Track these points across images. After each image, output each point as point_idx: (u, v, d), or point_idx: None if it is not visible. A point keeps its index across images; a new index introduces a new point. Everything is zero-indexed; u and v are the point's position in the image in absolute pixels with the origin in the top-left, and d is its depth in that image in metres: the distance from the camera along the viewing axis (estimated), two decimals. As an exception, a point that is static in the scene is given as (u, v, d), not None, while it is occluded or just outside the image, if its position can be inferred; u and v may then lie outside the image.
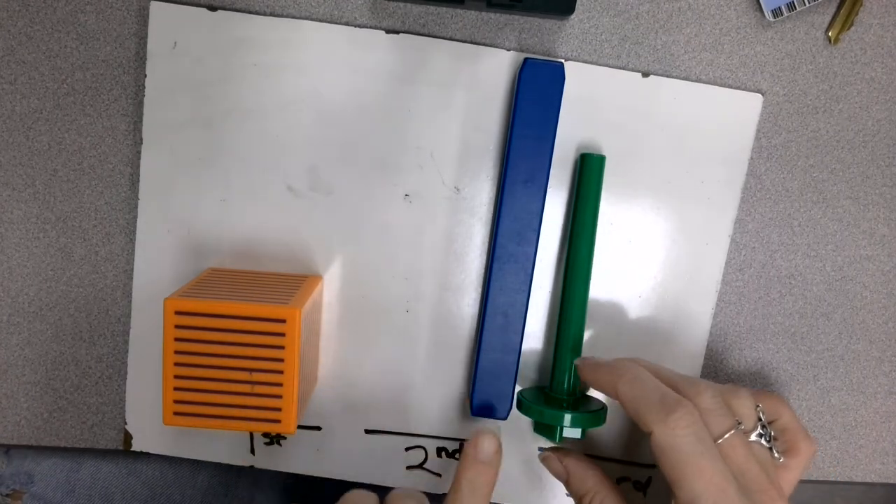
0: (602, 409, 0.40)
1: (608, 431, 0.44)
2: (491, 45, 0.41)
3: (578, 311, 0.40)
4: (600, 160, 0.40)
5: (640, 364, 0.39)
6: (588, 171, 0.40)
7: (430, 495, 0.48)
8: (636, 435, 0.44)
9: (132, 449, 0.44)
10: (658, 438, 0.32)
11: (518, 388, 0.43)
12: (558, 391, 0.40)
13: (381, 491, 0.51)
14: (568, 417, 0.38)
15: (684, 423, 0.32)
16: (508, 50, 0.41)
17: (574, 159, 0.42)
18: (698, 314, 0.43)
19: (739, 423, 0.34)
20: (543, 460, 0.40)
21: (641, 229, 0.42)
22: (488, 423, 0.37)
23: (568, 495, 0.44)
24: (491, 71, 0.41)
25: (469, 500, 0.34)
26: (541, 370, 0.43)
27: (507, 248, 0.40)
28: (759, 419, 0.36)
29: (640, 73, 0.41)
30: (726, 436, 0.33)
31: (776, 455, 0.36)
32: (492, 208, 0.42)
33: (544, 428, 0.40)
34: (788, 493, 0.37)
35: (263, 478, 0.51)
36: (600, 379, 0.36)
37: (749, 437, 0.35)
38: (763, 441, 0.35)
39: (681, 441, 0.32)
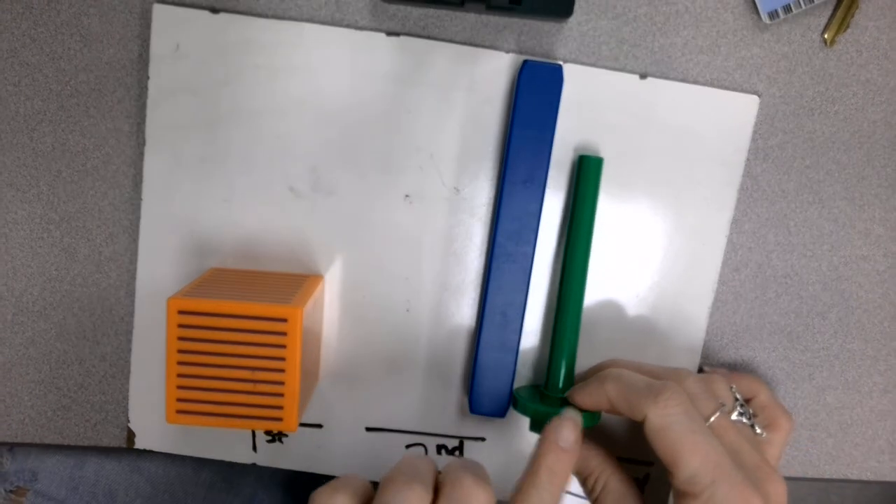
0: None
1: (605, 429, 0.44)
2: (490, 48, 0.41)
3: (574, 311, 0.41)
4: (598, 162, 0.41)
5: (620, 363, 0.40)
6: (586, 172, 0.41)
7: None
8: (632, 432, 0.44)
9: (135, 447, 0.44)
10: (651, 421, 0.33)
11: (515, 386, 0.43)
12: (553, 390, 0.41)
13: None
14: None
15: (674, 402, 0.33)
16: (507, 52, 0.41)
17: (573, 160, 0.42)
18: (695, 314, 0.44)
19: (723, 405, 0.36)
20: None
21: (639, 229, 0.43)
22: (569, 410, 0.37)
23: (569, 493, 0.45)
24: (490, 73, 0.41)
25: (548, 486, 0.34)
26: (536, 368, 0.44)
27: (505, 247, 0.41)
28: (737, 399, 0.37)
29: (637, 75, 0.42)
30: (713, 417, 0.34)
31: (759, 431, 0.37)
32: (491, 209, 0.42)
33: (540, 426, 0.40)
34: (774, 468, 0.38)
35: (265, 475, 0.51)
36: (592, 395, 0.37)
37: (731, 417, 0.36)
38: (744, 419, 0.36)
39: (672, 420, 0.33)
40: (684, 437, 0.32)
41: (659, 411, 0.33)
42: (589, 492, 0.38)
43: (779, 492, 0.33)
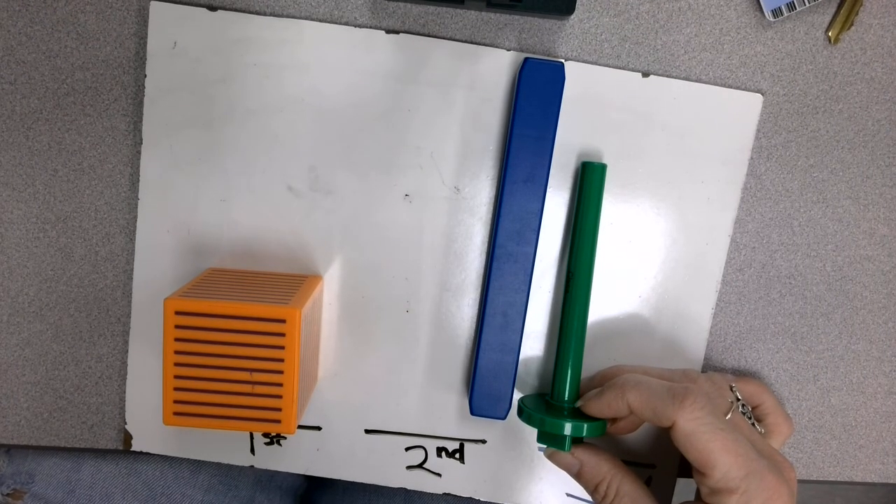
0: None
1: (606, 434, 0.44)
2: (491, 45, 0.41)
3: (579, 322, 0.40)
4: (601, 168, 0.40)
5: (626, 368, 0.41)
6: (589, 179, 0.40)
7: (428, 496, 0.49)
8: (635, 435, 0.44)
9: (132, 449, 0.44)
10: (681, 427, 0.34)
11: (519, 395, 0.43)
12: (560, 399, 0.40)
13: (385, 491, 0.51)
14: (569, 426, 0.38)
15: (699, 406, 0.34)
16: (508, 50, 0.41)
17: (574, 160, 0.42)
18: (698, 314, 0.43)
19: (731, 402, 0.37)
20: (551, 457, 0.40)
21: (641, 229, 0.42)
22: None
23: (570, 496, 0.44)
24: (491, 71, 0.41)
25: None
26: (541, 377, 0.43)
27: (506, 247, 0.40)
28: (738, 398, 0.38)
29: (640, 73, 0.41)
30: (730, 414, 0.36)
31: (759, 429, 0.39)
32: (492, 208, 0.42)
33: (549, 436, 0.39)
34: None
35: (263, 477, 0.51)
36: (610, 403, 0.37)
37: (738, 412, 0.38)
38: (746, 417, 0.38)
39: (700, 423, 0.34)
40: (714, 437, 0.34)
41: (686, 415, 0.34)
42: (602, 498, 0.38)
43: (793, 477, 0.35)
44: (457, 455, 0.44)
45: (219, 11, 0.40)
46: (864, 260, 0.44)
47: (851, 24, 0.41)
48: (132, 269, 0.42)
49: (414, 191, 0.42)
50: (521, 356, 0.42)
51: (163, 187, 0.41)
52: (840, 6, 0.41)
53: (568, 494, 0.44)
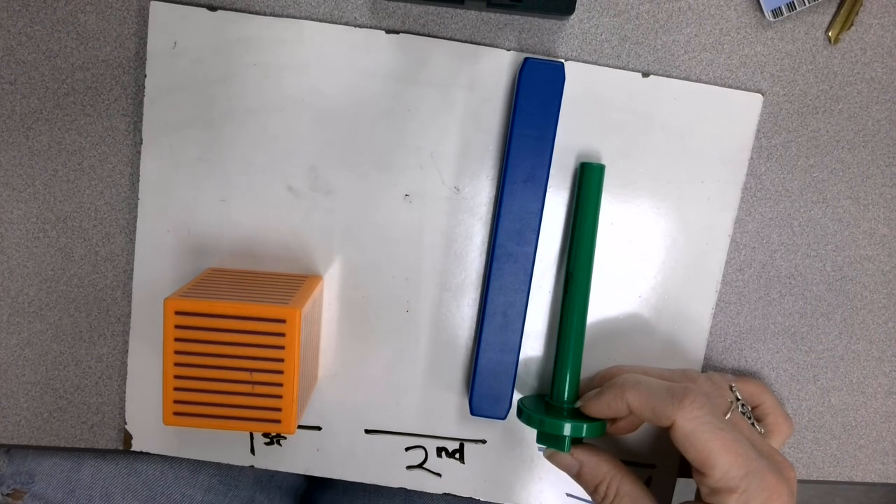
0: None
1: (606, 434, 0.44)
2: (491, 45, 0.41)
3: (578, 322, 0.40)
4: (600, 169, 0.40)
5: (626, 368, 0.41)
6: (588, 180, 0.40)
7: (428, 496, 0.49)
8: (635, 435, 0.44)
9: (132, 449, 0.44)
10: (680, 426, 0.34)
11: (519, 396, 0.43)
12: (559, 400, 0.40)
13: (385, 491, 0.51)
14: (568, 427, 0.38)
15: (698, 405, 0.34)
16: (508, 50, 0.41)
17: (574, 160, 0.42)
18: (698, 314, 0.43)
19: (731, 402, 0.37)
20: (550, 457, 0.40)
21: (641, 229, 0.42)
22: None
23: (570, 496, 0.44)
24: (491, 71, 0.41)
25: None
26: (541, 377, 0.43)
27: (506, 247, 0.40)
28: (738, 398, 0.38)
29: (640, 73, 0.41)
30: (729, 413, 0.36)
31: (759, 429, 0.39)
32: (492, 208, 0.42)
33: (548, 437, 0.39)
34: None
35: (263, 477, 0.51)
36: (610, 403, 0.37)
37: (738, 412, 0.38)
38: (745, 417, 0.38)
39: (700, 422, 0.34)
40: (714, 436, 0.34)
41: (686, 415, 0.34)
42: (601, 498, 0.38)
43: (793, 477, 0.35)
44: (457, 455, 0.44)
45: (219, 11, 0.40)
46: (864, 260, 0.44)
47: (851, 24, 0.41)
48: (132, 269, 0.42)
49: (414, 191, 0.42)
50: (521, 356, 0.42)
51: (163, 187, 0.41)
52: (840, 6, 0.41)
53: (568, 494, 0.44)
